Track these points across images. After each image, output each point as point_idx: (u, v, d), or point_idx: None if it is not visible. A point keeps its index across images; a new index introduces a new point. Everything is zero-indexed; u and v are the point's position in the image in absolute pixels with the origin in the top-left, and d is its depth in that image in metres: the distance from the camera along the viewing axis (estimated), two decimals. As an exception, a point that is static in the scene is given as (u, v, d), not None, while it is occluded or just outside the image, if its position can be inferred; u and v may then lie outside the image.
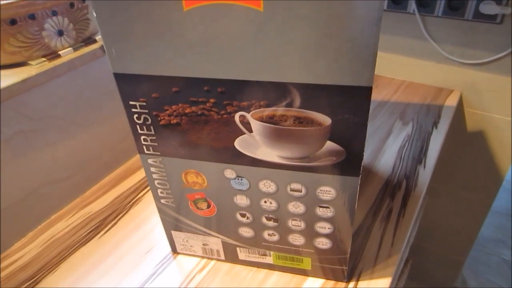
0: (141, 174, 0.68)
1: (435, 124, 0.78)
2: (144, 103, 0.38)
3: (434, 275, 1.23)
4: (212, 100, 0.36)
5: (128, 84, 0.37)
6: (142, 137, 0.41)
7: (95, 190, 0.66)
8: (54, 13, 0.54)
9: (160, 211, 0.48)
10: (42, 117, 0.56)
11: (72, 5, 0.55)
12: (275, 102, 0.34)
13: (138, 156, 0.72)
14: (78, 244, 0.56)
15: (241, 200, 0.43)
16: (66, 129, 0.60)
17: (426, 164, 0.68)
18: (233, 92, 0.35)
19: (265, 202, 0.42)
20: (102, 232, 0.58)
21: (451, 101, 0.86)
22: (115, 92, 0.65)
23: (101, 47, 0.59)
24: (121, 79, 0.37)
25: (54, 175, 0.60)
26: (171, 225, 0.49)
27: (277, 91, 0.34)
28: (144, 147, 0.42)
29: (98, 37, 0.60)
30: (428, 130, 0.76)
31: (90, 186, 0.66)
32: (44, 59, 0.54)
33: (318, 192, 0.40)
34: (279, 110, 0.35)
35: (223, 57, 0.33)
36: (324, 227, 0.43)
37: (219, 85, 0.34)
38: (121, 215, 0.60)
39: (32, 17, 0.51)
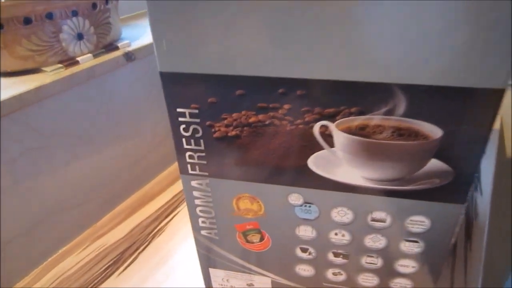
0: (162, 199, 0.59)
1: (480, 145, 0.72)
2: (196, 111, 0.31)
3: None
4: (287, 106, 0.28)
5: (178, 86, 0.30)
6: (188, 153, 0.33)
7: (110, 218, 0.57)
8: (74, 14, 0.47)
9: (198, 244, 0.40)
10: (53, 133, 0.48)
11: (94, 6, 0.49)
12: (371, 109, 0.27)
13: (158, 178, 0.64)
14: (93, 283, 0.47)
15: (305, 232, 0.35)
16: (80, 148, 0.52)
17: (482, 191, 0.60)
18: (317, 95, 0.27)
19: (336, 234, 0.35)
20: (121, 269, 0.49)
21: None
22: (137, 105, 0.58)
23: (124, 55, 0.52)
24: (170, 80, 0.29)
25: (64, 202, 0.52)
26: (210, 261, 0.41)
27: (376, 95, 0.26)
28: (189, 166, 0.34)
29: (121, 44, 0.54)
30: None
31: (104, 214, 0.57)
32: (60, 65, 0.47)
33: (407, 223, 0.32)
34: (375, 119, 0.27)
35: (309, 50, 0.26)
36: (407, 266, 0.35)
37: (300, 86, 0.27)
38: (141, 248, 0.52)
39: (49, 16, 0.45)
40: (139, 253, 0.51)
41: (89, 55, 0.50)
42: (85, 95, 0.50)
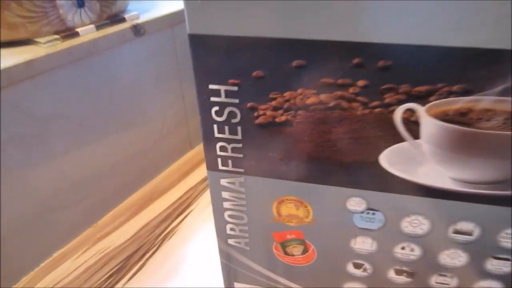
0: (174, 195, 0.52)
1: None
2: (236, 88, 0.23)
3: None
4: (361, 83, 0.21)
5: (214, 54, 0.22)
6: (220, 144, 0.26)
7: (112, 216, 0.50)
8: (74, -26, 0.39)
9: (223, 255, 0.33)
10: (49, 117, 0.41)
11: (97, -35, 0.41)
12: (481, 87, 0.20)
13: (168, 171, 0.57)
14: (94, 295, 0.40)
15: (363, 244, 0.28)
16: (79, 135, 0.45)
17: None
18: (406, 68, 0.20)
19: (403, 248, 0.28)
20: (127, 277, 0.42)
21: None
22: (145, 88, 0.50)
23: (132, 28, 0.45)
24: (203, 45, 0.22)
25: (60, 198, 0.45)
26: (236, 274, 0.34)
27: (493, 67, 0.19)
28: (220, 160, 0.27)
29: (128, 15, 0.46)
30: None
31: (106, 212, 0.50)
32: (57, 36, 0.39)
33: (502, 237, 0.25)
34: (484, 101, 0.20)
35: (400, 4, 0.18)
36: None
37: (383, 55, 0.20)
38: (150, 252, 0.45)
39: (43, -25, 0.37)
40: (147, 259, 0.44)
41: (91, 26, 0.42)
42: (85, 74, 0.43)
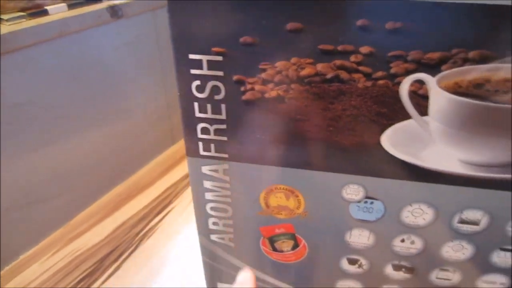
0: (154, 192, 0.49)
1: None
2: (220, 58, 0.20)
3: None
4: (365, 50, 0.19)
5: (195, 16, 0.19)
6: (201, 125, 0.23)
7: (87, 215, 0.46)
8: None
9: (205, 252, 0.30)
10: (16, 104, 0.37)
11: None
12: (502, 53, 0.18)
13: (149, 166, 0.53)
14: (63, 299, 0.37)
15: (359, 238, 0.26)
16: (52, 126, 0.41)
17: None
18: (418, 30, 0.18)
19: (403, 241, 0.25)
20: (101, 280, 0.38)
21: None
22: (124, 76, 0.47)
23: (109, 9, 0.41)
24: (182, 6, 0.19)
25: (30, 194, 0.41)
26: (219, 274, 0.31)
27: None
28: (201, 144, 0.24)
29: (103, -4, 0.43)
30: None
31: (81, 210, 0.47)
32: (23, 13, 0.36)
33: (510, 226, 0.23)
34: (503, 69, 0.18)
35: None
36: (493, 282, 0.26)
37: (394, 14, 0.18)
38: (127, 253, 0.41)
39: None
40: (123, 260, 0.41)
41: (63, 4, 0.39)
42: (56, 56, 0.39)
